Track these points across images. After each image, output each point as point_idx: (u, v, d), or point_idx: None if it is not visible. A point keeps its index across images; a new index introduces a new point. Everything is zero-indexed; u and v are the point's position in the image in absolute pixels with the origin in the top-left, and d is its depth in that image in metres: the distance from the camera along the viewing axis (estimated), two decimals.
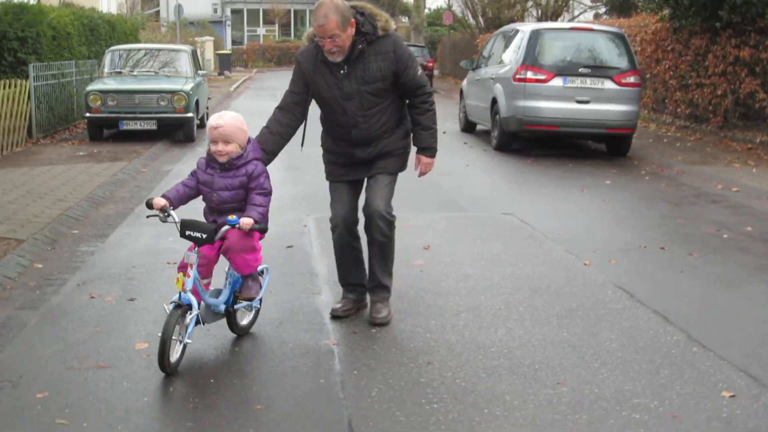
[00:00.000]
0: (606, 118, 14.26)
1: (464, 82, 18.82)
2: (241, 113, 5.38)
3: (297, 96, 5.72)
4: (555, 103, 14.29)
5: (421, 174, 5.97)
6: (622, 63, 14.59)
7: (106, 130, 16.57)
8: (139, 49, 18.79)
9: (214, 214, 5.25)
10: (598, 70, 14.43)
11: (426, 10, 59.50)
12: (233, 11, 69.23)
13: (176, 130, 16.54)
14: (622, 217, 9.64)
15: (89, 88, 16.29)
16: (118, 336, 5.65)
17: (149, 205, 5.03)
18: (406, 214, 8.16)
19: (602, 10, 41.84)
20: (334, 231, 5.91)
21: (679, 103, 18.82)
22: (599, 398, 4.66)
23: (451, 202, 10.45)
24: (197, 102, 17.05)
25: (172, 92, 16.12)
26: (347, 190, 5.90)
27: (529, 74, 14.42)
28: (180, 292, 4.94)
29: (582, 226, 9.17)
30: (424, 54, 36.44)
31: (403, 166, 5.95)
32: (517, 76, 14.52)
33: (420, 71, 5.73)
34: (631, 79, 14.45)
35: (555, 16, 36.69)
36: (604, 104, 14.25)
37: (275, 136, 5.61)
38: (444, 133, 16.51)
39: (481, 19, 42.73)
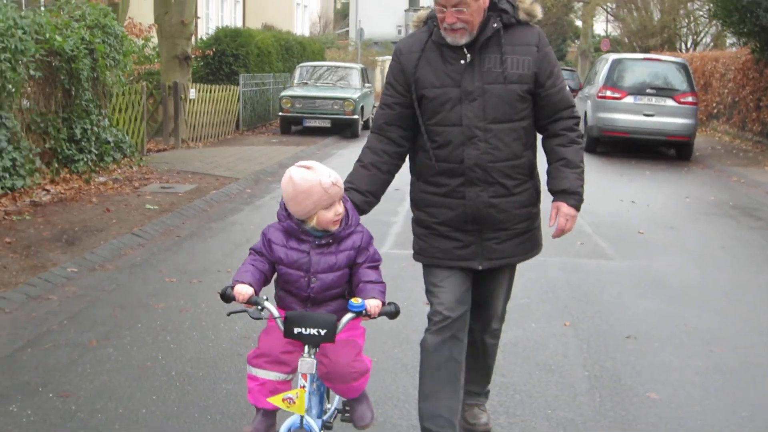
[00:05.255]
0: (666, 129, 18.60)
1: (575, 99, 23.39)
2: None
3: (391, 111, 4.08)
4: (627, 116, 18.73)
5: (558, 231, 4.11)
6: (683, 86, 18.90)
7: (293, 126, 22.09)
8: (321, 66, 24.37)
9: (306, 306, 3.70)
10: (662, 91, 18.80)
11: (594, 38, 63.59)
12: None
13: (345, 128, 21.86)
14: (628, 190, 14.08)
15: (282, 94, 21.89)
16: None
17: (228, 298, 3.50)
18: None
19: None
20: (433, 331, 4.09)
21: (755, 122, 22.79)
22: None
23: None
24: (362, 108, 22.35)
25: (344, 99, 21.48)
26: (455, 274, 4.11)
27: (608, 93, 18.95)
28: (301, 417, 3.53)
29: (593, 191, 13.72)
30: (574, 78, 40.48)
31: (537, 246, 4.29)
32: (599, 94, 19.08)
33: (568, 87, 4.13)
34: (689, 99, 18.72)
35: (695, 45, 40.39)
36: (666, 117, 18.59)
37: (371, 171, 4.10)
38: None
39: (635, 45, 46.64)
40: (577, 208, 4.12)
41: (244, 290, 3.48)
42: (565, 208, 4.08)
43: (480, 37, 3.91)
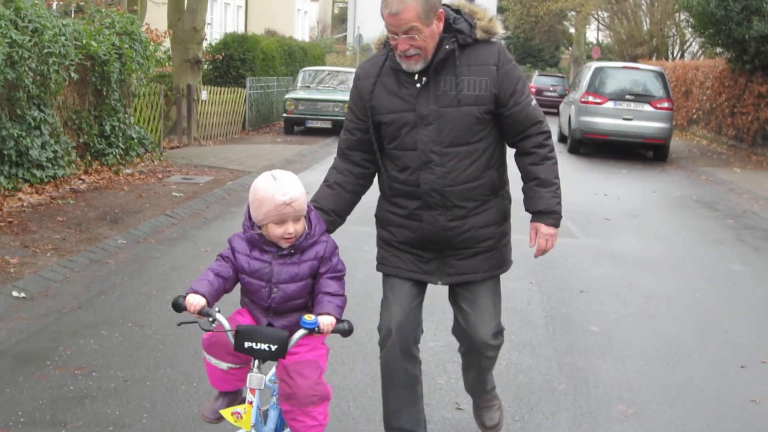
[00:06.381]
0: (643, 132, 20.12)
1: (561, 104, 24.93)
2: None
3: (351, 137, 4.11)
4: (607, 119, 20.26)
5: (540, 252, 4.09)
6: (659, 92, 20.43)
7: (296, 127, 23.59)
8: (323, 70, 25.90)
9: (268, 316, 3.70)
10: (640, 97, 20.33)
11: (587, 45, 65.19)
12: None
13: None
14: (603, 185, 15.52)
15: (286, 96, 23.39)
16: None
17: (179, 308, 3.46)
18: None
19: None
20: (382, 346, 4.14)
21: (729, 127, 24.32)
22: None
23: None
24: None
25: (344, 102, 22.92)
26: (408, 289, 4.14)
27: (590, 98, 20.47)
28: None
29: (572, 186, 15.19)
30: (564, 84, 41.98)
31: (504, 263, 4.20)
32: (582, 100, 20.60)
33: (534, 102, 4.02)
34: (665, 105, 20.24)
35: (683, 54, 41.95)
36: (643, 121, 20.11)
37: (336, 190, 4.11)
38: None
39: (625, 53, 48.15)
40: (556, 226, 4.05)
41: (195, 301, 3.44)
42: (543, 228, 4.02)
43: (434, 60, 3.84)
